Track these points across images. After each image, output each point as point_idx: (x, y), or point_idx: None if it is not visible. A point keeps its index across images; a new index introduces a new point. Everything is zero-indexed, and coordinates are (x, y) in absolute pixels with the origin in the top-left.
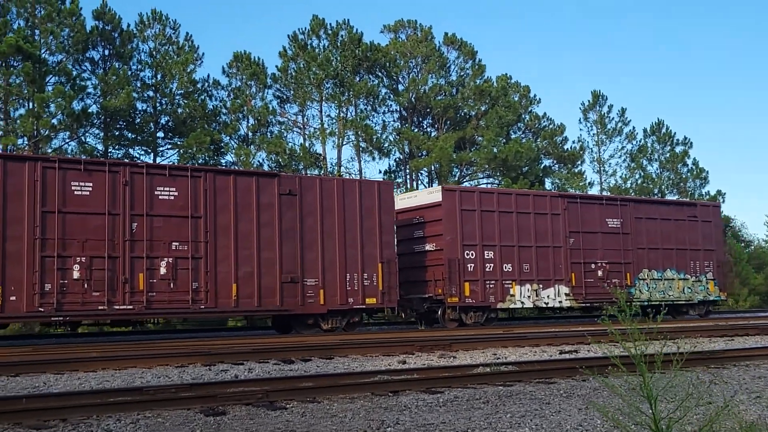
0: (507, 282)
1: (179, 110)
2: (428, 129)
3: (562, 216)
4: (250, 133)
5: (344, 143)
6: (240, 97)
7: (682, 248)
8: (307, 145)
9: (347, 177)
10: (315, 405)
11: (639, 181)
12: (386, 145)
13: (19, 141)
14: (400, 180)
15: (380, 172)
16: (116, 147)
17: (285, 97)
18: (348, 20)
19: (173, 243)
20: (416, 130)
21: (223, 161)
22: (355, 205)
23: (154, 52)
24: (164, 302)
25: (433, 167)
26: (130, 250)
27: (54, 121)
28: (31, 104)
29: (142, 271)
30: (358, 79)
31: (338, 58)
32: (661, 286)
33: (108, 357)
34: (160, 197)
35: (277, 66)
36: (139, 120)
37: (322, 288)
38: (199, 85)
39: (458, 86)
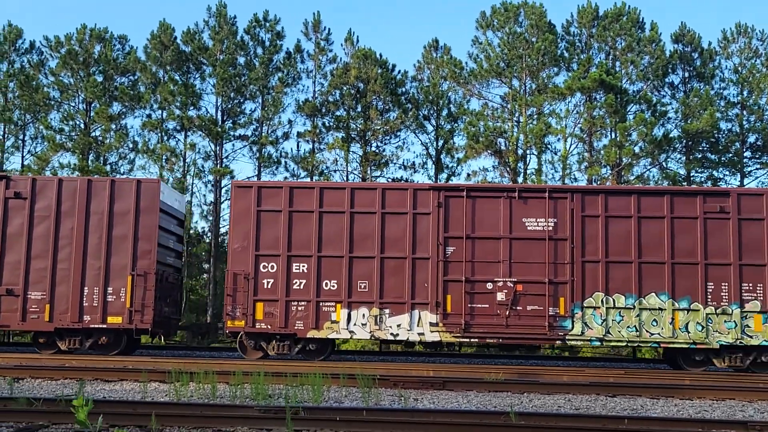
0: (328, 304)
1: None
2: None
3: (434, 215)
4: None
5: None
6: None
7: (687, 262)
8: None
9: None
10: None
11: None
12: None
13: (603, 170)
14: None
15: None
16: (699, 170)
17: None
18: None
19: None
20: None
21: None
22: (104, 208)
23: (739, 68)
24: None
25: None
26: None
27: (636, 148)
28: (613, 134)
29: None
30: None
31: None
32: (632, 319)
33: (704, 386)
34: None
35: None
36: (723, 140)
37: (49, 303)
38: None
39: None
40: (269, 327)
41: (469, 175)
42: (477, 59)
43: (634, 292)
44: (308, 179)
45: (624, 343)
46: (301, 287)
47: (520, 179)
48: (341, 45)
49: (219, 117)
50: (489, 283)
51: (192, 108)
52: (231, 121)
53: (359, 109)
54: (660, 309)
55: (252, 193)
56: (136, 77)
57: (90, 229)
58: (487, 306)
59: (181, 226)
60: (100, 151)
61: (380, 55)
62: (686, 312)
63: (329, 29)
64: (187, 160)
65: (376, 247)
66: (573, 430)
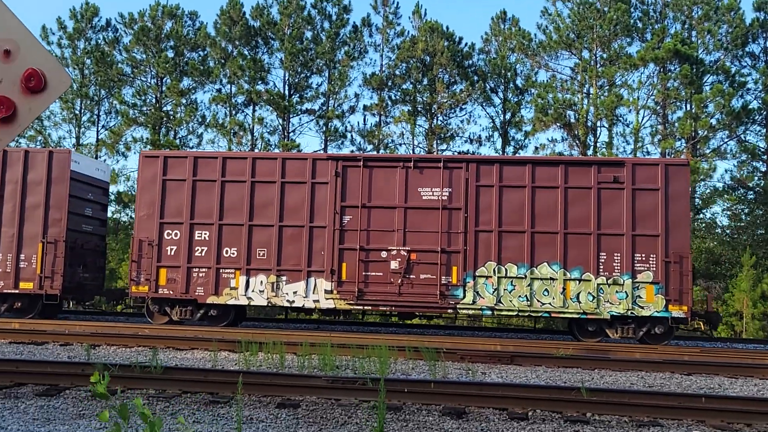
0: (227, 271)
1: None
2: None
3: (332, 184)
4: None
5: None
6: None
7: (580, 232)
8: None
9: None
10: None
11: None
12: None
13: (677, 143)
14: None
15: None
16: None
17: None
18: None
19: None
20: None
21: None
22: (17, 178)
23: None
24: None
25: None
26: None
27: (712, 121)
28: (688, 106)
29: None
30: None
31: None
32: (524, 288)
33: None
34: None
35: None
36: None
37: None
38: None
39: None
40: (171, 292)
41: (537, 148)
42: (546, 30)
43: (526, 262)
44: (374, 152)
45: (515, 313)
46: (203, 254)
47: (590, 152)
48: (409, 18)
49: (286, 91)
50: (383, 252)
51: (260, 82)
52: (298, 95)
53: (425, 82)
54: (551, 279)
55: (158, 163)
56: (205, 52)
57: (5, 198)
58: (381, 274)
59: (105, 195)
60: (170, 126)
61: (447, 28)
62: (577, 282)
63: (398, 2)
64: (254, 134)
65: (275, 215)
66: (647, 407)
